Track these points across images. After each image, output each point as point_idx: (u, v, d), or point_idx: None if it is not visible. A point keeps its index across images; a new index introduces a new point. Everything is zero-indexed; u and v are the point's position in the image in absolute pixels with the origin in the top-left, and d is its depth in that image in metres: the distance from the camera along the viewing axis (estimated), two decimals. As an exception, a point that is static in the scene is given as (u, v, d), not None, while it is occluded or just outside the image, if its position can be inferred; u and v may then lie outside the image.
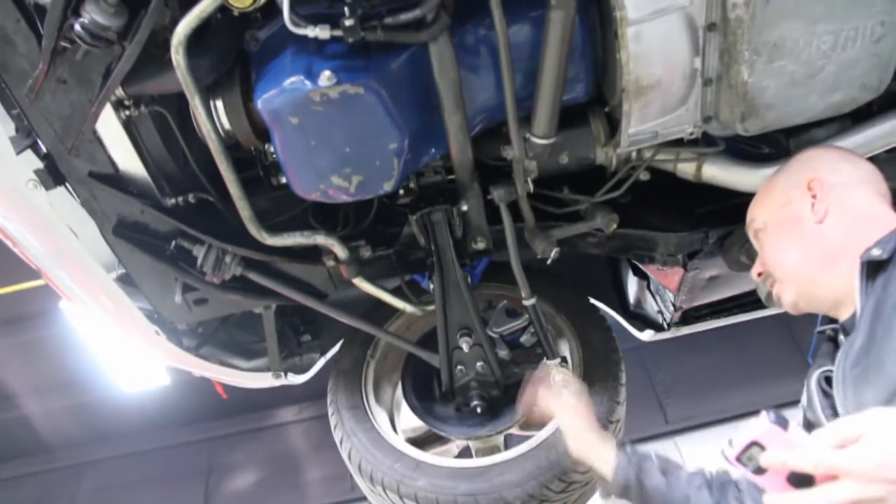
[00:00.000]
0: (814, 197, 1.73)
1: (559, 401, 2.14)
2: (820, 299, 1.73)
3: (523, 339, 2.62)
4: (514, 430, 2.59)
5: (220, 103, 1.81)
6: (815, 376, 1.71)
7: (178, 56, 1.60)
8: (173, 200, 2.04)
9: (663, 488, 1.90)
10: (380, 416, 2.62)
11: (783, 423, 1.36)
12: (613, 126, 1.97)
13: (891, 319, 1.48)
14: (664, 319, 2.87)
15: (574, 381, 2.20)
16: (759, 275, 1.89)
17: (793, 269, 1.77)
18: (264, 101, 1.69)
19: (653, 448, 1.97)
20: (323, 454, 7.77)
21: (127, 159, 1.94)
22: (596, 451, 2.01)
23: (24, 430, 8.25)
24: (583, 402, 2.13)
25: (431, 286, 2.27)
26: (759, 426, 1.34)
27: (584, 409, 2.10)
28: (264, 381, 2.79)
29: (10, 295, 7.22)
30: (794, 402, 1.76)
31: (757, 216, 1.89)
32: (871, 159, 2.04)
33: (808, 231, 1.73)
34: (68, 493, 8.24)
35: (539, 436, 2.44)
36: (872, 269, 1.58)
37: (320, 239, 2.07)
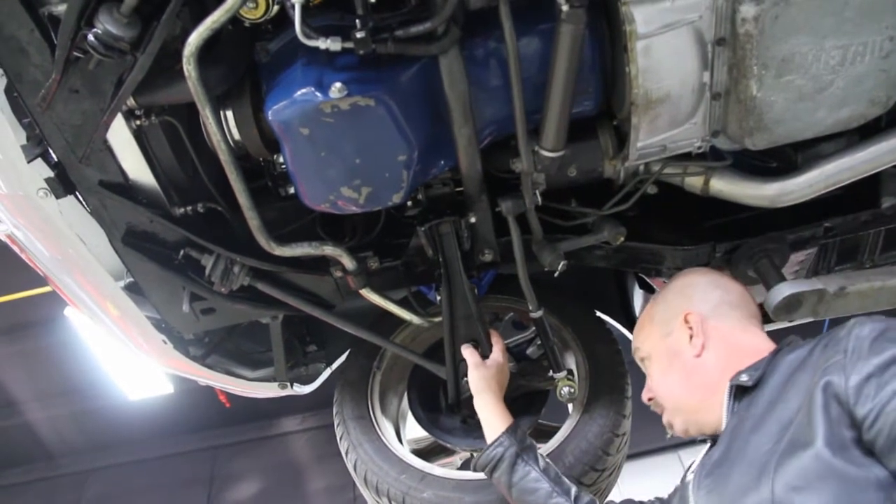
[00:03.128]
0: (690, 329, 1.88)
1: (476, 357, 2.30)
2: (707, 424, 1.83)
3: (530, 351, 2.62)
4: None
5: (230, 114, 1.82)
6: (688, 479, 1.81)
7: (189, 67, 1.60)
8: (182, 210, 2.05)
9: (532, 484, 2.04)
10: (386, 428, 2.62)
11: None
12: (622, 139, 1.98)
13: (748, 437, 1.59)
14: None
15: (498, 350, 2.33)
16: (650, 399, 2.00)
17: (677, 400, 1.90)
18: (275, 113, 1.70)
19: (655, 461, 2.03)
20: (326, 464, 7.78)
21: (137, 169, 1.95)
22: (491, 416, 2.19)
23: (27, 437, 8.27)
24: (497, 367, 2.29)
25: (438, 298, 2.27)
26: None
27: (495, 374, 2.27)
28: (270, 391, 2.79)
29: (14, 302, 7.24)
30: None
31: (641, 345, 2.04)
32: (878, 174, 2.06)
33: (688, 364, 1.87)
34: (71, 500, 8.26)
35: (545, 448, 2.43)
36: (740, 392, 1.72)
37: (328, 250, 2.07)
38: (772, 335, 1.88)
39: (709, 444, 1.87)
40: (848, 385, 1.41)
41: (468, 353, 2.32)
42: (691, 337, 1.88)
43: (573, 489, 2.06)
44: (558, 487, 2.04)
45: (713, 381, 1.79)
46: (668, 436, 2.01)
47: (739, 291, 2.00)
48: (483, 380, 2.25)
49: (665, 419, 1.96)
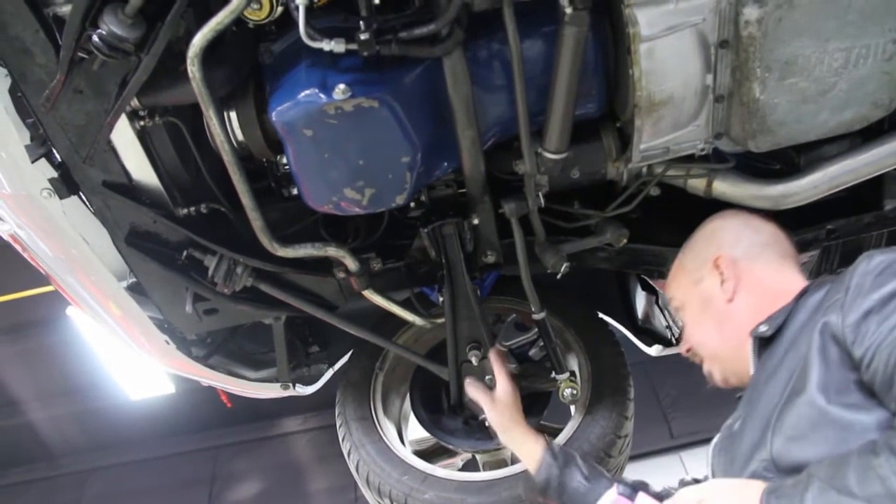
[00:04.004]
0: (721, 273, 1.78)
1: (487, 396, 2.22)
2: (745, 374, 1.74)
3: (532, 352, 2.62)
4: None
5: (233, 115, 1.82)
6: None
7: (193, 68, 1.61)
8: (185, 211, 2.05)
9: (583, 491, 1.96)
10: (388, 429, 2.62)
11: (631, 495, 1.45)
12: (625, 141, 1.98)
13: (762, 391, 1.54)
14: (672, 334, 2.87)
15: (503, 378, 2.22)
16: (688, 350, 1.92)
17: (713, 349, 1.82)
18: (279, 114, 1.70)
19: (656, 462, 2.02)
20: (327, 465, 7.77)
21: (140, 169, 1.95)
22: (524, 445, 2.11)
23: (28, 437, 8.26)
24: (510, 398, 2.19)
25: (441, 299, 2.27)
26: (609, 498, 1.55)
27: (511, 406, 2.18)
28: (272, 391, 2.79)
29: (16, 301, 7.24)
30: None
31: (674, 295, 1.95)
32: (881, 176, 2.05)
33: (720, 311, 1.78)
34: (72, 499, 8.25)
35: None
36: (763, 343, 1.64)
37: (331, 251, 2.07)
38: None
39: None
40: (845, 324, 1.35)
41: (478, 394, 2.26)
42: (722, 282, 1.77)
43: (613, 482, 1.98)
44: (602, 487, 1.97)
45: (746, 327, 1.69)
46: (708, 386, 1.91)
47: (771, 230, 1.87)
48: (502, 416, 2.18)
49: (705, 369, 1.87)
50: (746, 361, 1.68)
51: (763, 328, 1.63)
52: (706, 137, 1.90)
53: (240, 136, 1.84)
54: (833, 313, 1.39)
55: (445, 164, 1.95)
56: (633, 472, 2.66)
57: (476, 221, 2.13)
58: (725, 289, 1.76)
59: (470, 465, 2.80)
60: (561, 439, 2.45)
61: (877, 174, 2.03)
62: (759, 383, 1.59)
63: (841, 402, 1.33)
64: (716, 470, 1.67)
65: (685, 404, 7.15)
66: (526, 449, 2.10)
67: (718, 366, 1.82)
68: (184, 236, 2.08)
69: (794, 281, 1.75)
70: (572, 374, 2.42)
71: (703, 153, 1.95)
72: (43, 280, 2.30)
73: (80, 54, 1.60)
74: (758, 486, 1.35)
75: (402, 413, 2.83)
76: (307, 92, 1.67)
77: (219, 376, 2.66)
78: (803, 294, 1.64)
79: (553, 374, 2.39)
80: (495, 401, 2.20)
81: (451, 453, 2.72)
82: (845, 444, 1.29)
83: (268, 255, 2.01)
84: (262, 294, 2.23)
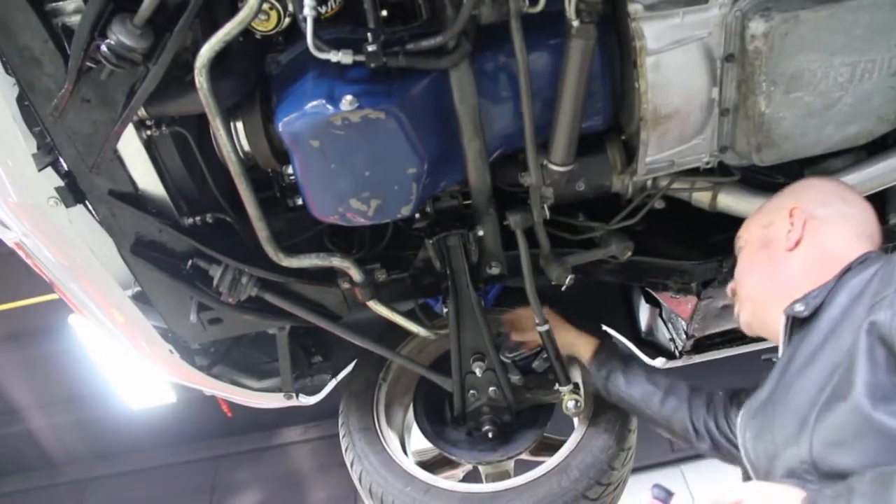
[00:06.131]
0: (791, 224, 1.76)
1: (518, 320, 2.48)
2: (769, 327, 1.73)
3: (536, 364, 2.61)
4: (525, 456, 2.58)
5: (240, 125, 1.83)
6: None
7: (201, 78, 1.61)
8: (191, 220, 2.05)
9: (629, 401, 2.27)
10: (391, 439, 2.62)
11: (665, 497, 1.45)
12: (630, 154, 1.98)
13: (794, 379, 1.50)
14: (676, 347, 2.86)
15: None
16: (733, 292, 1.92)
17: (751, 288, 1.82)
18: (285, 124, 1.70)
19: (659, 475, 2.02)
20: (328, 474, 7.76)
21: (146, 178, 1.96)
22: (575, 350, 2.42)
23: (29, 445, 8.26)
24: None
25: (445, 310, 2.27)
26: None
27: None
28: (275, 401, 2.79)
29: (18, 309, 7.24)
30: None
31: (742, 233, 1.94)
32: (886, 190, 2.06)
33: (776, 256, 1.76)
34: (72, 508, 8.23)
35: (550, 462, 2.43)
36: (797, 322, 1.60)
37: (336, 261, 2.07)
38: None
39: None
40: (894, 324, 1.29)
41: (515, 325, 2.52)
42: (789, 231, 1.75)
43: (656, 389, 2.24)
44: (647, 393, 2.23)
45: (792, 282, 1.67)
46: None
47: (862, 207, 1.80)
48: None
49: (736, 309, 1.90)
50: (776, 323, 1.67)
51: (799, 307, 1.59)
52: (711, 151, 1.90)
53: (246, 147, 1.84)
54: (881, 311, 1.33)
55: (451, 175, 1.95)
56: (635, 484, 2.66)
57: (481, 233, 2.13)
58: (789, 238, 1.74)
59: (474, 476, 2.79)
60: (564, 451, 2.44)
61: (881, 188, 2.03)
62: (791, 366, 1.55)
63: (888, 410, 1.27)
64: (747, 447, 1.64)
65: (687, 417, 7.12)
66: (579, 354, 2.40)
67: (750, 308, 1.82)
68: (189, 246, 2.08)
69: (859, 255, 1.67)
70: (576, 385, 2.41)
71: (709, 166, 1.95)
72: (45, 288, 2.30)
73: (88, 64, 1.61)
74: (797, 495, 1.32)
75: (406, 424, 2.83)
76: (314, 103, 1.67)
77: (222, 386, 2.65)
78: (846, 272, 1.59)
79: (556, 386, 2.38)
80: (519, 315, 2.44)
81: (453, 464, 2.71)
82: (890, 455, 1.25)
83: (272, 265, 2.01)
84: (266, 304, 2.23)
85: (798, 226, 1.74)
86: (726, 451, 2.05)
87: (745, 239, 1.90)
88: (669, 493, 1.59)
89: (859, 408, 1.28)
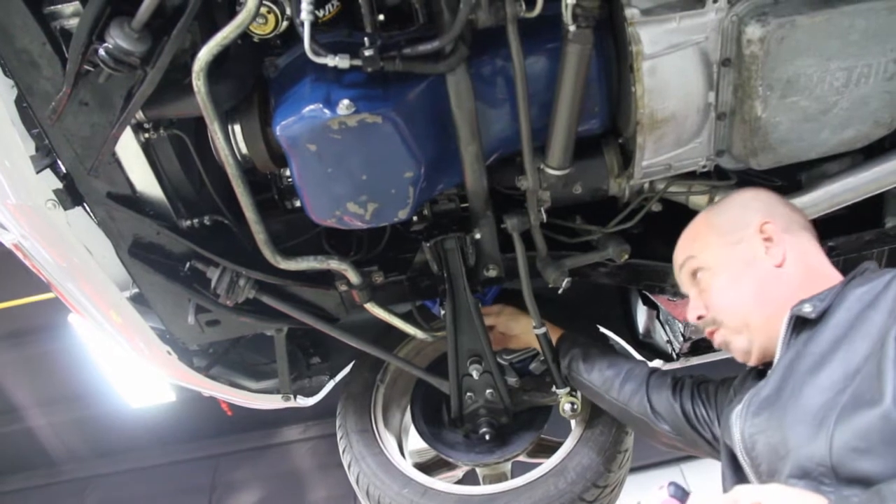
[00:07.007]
0: (768, 239, 1.73)
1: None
2: (768, 347, 1.69)
3: (532, 366, 2.61)
4: (523, 458, 2.58)
5: (238, 128, 1.83)
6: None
7: (198, 81, 1.62)
8: (189, 222, 2.06)
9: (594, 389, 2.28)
10: (388, 441, 2.62)
11: (682, 496, 1.43)
12: (627, 158, 1.98)
13: (804, 379, 1.48)
14: (673, 349, 2.86)
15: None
16: (700, 318, 1.84)
17: (746, 314, 1.74)
18: (283, 128, 1.71)
19: (657, 475, 2.01)
20: (327, 473, 7.76)
21: (144, 181, 1.97)
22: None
23: (29, 444, 8.26)
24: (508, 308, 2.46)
25: (442, 312, 2.28)
26: (658, 498, 1.43)
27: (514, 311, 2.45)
28: (274, 402, 2.79)
29: (17, 308, 7.25)
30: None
31: (697, 254, 1.85)
32: (882, 194, 2.06)
33: (766, 274, 1.71)
34: (72, 506, 8.24)
35: (547, 464, 2.44)
36: (800, 323, 1.59)
37: (334, 264, 2.07)
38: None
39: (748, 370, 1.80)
40: None
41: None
42: (768, 248, 1.71)
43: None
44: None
45: (787, 297, 1.63)
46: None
47: (804, 215, 1.84)
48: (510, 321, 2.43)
49: (719, 339, 1.81)
50: (776, 335, 1.63)
51: (807, 308, 1.56)
52: (708, 155, 1.91)
53: (244, 150, 1.84)
54: None
55: (448, 178, 1.96)
56: (634, 484, 2.66)
57: (478, 236, 2.14)
58: (774, 254, 1.71)
59: (471, 477, 2.79)
60: (561, 453, 2.45)
61: (878, 192, 2.03)
62: (798, 366, 1.52)
63: None
64: (745, 444, 1.60)
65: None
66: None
67: (746, 335, 1.74)
68: (187, 248, 2.09)
69: (832, 268, 1.72)
70: (573, 388, 2.41)
71: (705, 170, 1.96)
72: (44, 287, 2.30)
73: (86, 67, 1.61)
74: (818, 502, 1.29)
75: (403, 425, 2.83)
76: (311, 107, 1.68)
77: (220, 387, 2.65)
78: (849, 282, 1.59)
79: (553, 389, 2.39)
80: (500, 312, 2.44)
81: (450, 466, 2.72)
82: None
83: (270, 267, 2.02)
84: (264, 306, 2.23)
85: (778, 240, 1.72)
86: (689, 436, 2.03)
87: (706, 262, 1.82)
88: (686, 493, 1.58)
89: (890, 416, 1.27)
